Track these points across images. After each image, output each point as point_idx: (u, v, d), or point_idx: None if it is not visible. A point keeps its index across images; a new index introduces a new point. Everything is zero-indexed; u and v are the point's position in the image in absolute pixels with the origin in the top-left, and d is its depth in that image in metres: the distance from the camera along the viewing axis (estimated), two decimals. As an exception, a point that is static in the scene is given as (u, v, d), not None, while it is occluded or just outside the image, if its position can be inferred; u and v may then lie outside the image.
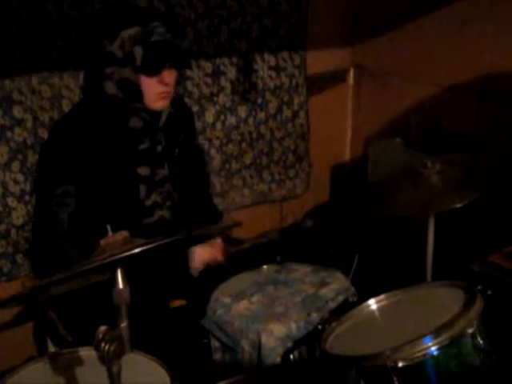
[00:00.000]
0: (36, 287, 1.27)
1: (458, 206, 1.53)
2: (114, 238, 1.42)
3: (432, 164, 1.67)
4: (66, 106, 2.04)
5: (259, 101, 2.62)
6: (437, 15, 2.52)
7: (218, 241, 1.93)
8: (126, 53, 1.69)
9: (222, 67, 2.46)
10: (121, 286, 1.12)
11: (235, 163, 2.62)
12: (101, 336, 1.02)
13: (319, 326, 1.52)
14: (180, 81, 2.18)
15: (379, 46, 2.81)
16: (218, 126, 2.52)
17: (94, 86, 1.80)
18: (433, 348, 1.19)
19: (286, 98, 2.71)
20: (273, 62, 2.61)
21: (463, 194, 1.55)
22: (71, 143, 1.74)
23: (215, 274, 1.86)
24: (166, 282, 1.85)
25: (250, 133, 2.63)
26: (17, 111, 1.95)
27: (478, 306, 1.27)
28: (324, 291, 1.66)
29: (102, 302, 1.19)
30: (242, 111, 2.58)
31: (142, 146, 1.83)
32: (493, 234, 2.14)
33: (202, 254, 1.87)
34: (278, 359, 1.53)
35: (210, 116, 2.48)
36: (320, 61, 2.80)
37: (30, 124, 1.98)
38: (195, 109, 2.38)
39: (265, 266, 1.83)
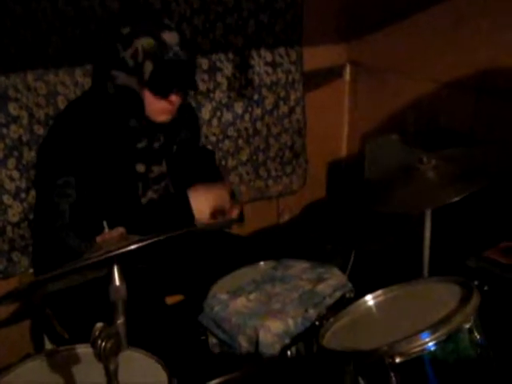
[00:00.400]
0: (33, 283, 1.27)
1: (454, 200, 1.53)
2: (110, 234, 1.41)
3: (428, 159, 1.67)
4: (61, 103, 2.03)
5: (255, 97, 2.61)
6: (432, 11, 2.53)
7: (223, 183, 1.75)
8: (137, 64, 1.67)
9: (218, 63, 2.45)
10: (117, 282, 1.12)
11: (231, 160, 2.62)
12: (97, 333, 1.02)
13: (316, 322, 1.52)
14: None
15: (375, 42, 2.82)
16: (215, 122, 2.51)
17: (99, 82, 1.79)
18: (430, 343, 1.19)
19: (282, 94, 2.71)
20: (269, 58, 2.61)
21: (459, 189, 1.55)
22: (73, 135, 1.72)
23: (214, 268, 1.85)
24: (163, 278, 1.84)
25: (246, 129, 2.63)
26: (12, 108, 1.94)
27: (475, 301, 1.27)
28: (321, 287, 1.66)
29: (99, 298, 1.19)
30: (239, 107, 2.57)
31: (141, 145, 1.82)
32: (489, 230, 2.14)
33: (203, 201, 1.65)
34: (276, 355, 1.53)
35: (206, 112, 2.47)
36: (316, 57, 2.80)
37: (25, 121, 1.97)
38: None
39: (262, 263, 1.83)
